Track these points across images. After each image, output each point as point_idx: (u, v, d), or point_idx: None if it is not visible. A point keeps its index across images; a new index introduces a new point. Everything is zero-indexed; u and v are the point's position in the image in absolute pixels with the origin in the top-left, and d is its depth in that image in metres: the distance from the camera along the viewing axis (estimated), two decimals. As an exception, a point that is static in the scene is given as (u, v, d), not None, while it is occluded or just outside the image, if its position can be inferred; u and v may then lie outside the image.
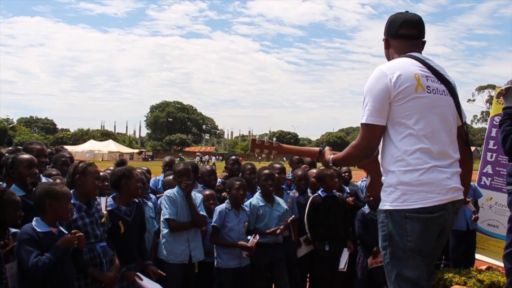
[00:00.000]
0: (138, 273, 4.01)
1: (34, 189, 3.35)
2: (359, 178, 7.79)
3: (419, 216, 2.51)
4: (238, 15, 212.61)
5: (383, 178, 2.71)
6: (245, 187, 5.04)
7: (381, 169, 2.73)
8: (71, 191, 3.57)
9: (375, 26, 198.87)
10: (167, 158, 7.07)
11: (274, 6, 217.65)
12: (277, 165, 5.59)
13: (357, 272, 5.71)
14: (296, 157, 6.61)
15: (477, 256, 6.21)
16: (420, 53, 2.81)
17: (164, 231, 4.72)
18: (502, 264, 5.48)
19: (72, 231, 3.33)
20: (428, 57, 2.79)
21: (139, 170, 4.81)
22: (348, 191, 6.13)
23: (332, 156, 2.92)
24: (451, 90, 2.75)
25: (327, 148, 3.07)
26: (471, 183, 6.35)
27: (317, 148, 3.14)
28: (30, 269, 3.06)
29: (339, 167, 5.61)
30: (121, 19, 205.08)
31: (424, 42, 2.86)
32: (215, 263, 4.88)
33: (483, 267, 5.90)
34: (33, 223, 3.24)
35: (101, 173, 4.68)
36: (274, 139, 3.33)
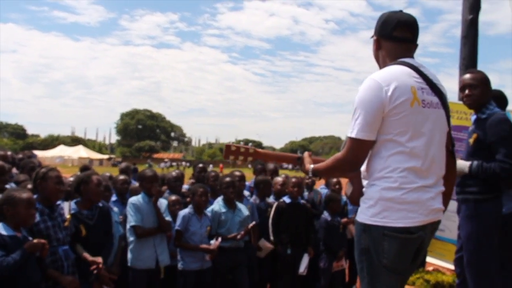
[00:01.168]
0: None
1: None
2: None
3: (397, 236, 2.39)
4: (208, 27, 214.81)
5: (365, 188, 2.56)
6: (208, 193, 5.22)
7: (364, 181, 2.59)
8: (34, 196, 3.66)
9: (338, 41, 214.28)
10: (122, 165, 7.09)
11: (243, 19, 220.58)
12: (237, 173, 5.72)
13: (320, 277, 5.91)
14: (260, 165, 6.85)
15: (426, 258, 6.58)
16: (413, 58, 2.61)
17: (131, 238, 4.79)
18: (447, 265, 5.89)
19: (40, 240, 3.39)
20: (421, 63, 2.59)
21: (101, 176, 4.88)
22: (306, 198, 6.31)
23: (312, 166, 2.72)
24: (443, 101, 2.58)
25: (306, 154, 2.88)
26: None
27: (296, 155, 2.99)
28: None
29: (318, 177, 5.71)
30: (94, 28, 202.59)
31: (417, 46, 2.67)
32: (178, 265, 5.04)
33: (430, 268, 6.31)
34: None
35: (69, 178, 4.86)
36: (250, 144, 3.13)
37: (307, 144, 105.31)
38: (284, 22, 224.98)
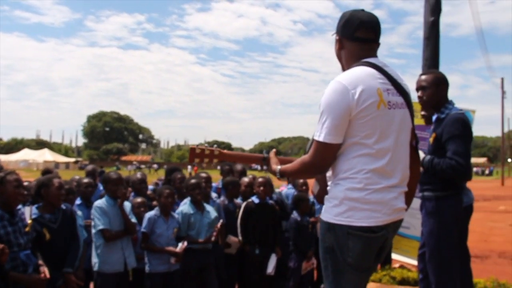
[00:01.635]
0: None
1: None
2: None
3: (361, 235, 2.42)
4: (176, 28, 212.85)
5: (329, 187, 2.59)
6: (174, 194, 5.23)
7: (329, 180, 2.63)
8: None
9: (306, 42, 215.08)
10: (89, 167, 7.07)
11: (211, 20, 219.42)
12: (203, 175, 5.74)
13: (290, 277, 5.96)
14: (227, 166, 6.87)
15: (392, 255, 6.70)
16: (377, 57, 2.63)
17: (98, 242, 4.74)
18: (413, 262, 6.00)
19: None
20: (385, 62, 2.61)
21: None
22: (275, 199, 6.33)
23: (279, 167, 2.75)
24: (408, 100, 2.61)
25: (272, 154, 2.89)
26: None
27: (261, 155, 2.97)
28: None
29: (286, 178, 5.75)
30: (59, 29, 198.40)
31: (379, 44, 2.66)
32: (146, 268, 5.02)
33: (396, 265, 6.42)
34: None
35: (33, 182, 4.76)
36: (215, 145, 3.12)
37: (276, 145, 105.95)
38: (252, 23, 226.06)
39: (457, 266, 3.90)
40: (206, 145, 3.05)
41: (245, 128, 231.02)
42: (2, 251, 3.31)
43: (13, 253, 3.63)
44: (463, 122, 3.83)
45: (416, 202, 4.43)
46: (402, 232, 6.74)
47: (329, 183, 2.62)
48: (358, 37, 2.57)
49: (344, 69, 2.64)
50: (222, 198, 6.13)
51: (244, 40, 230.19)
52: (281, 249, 5.94)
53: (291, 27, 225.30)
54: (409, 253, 6.05)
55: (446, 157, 3.77)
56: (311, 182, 3.12)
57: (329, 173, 2.63)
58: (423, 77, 4.09)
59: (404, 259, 6.31)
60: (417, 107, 6.46)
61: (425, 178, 3.96)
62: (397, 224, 2.59)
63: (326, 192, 2.63)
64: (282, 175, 2.74)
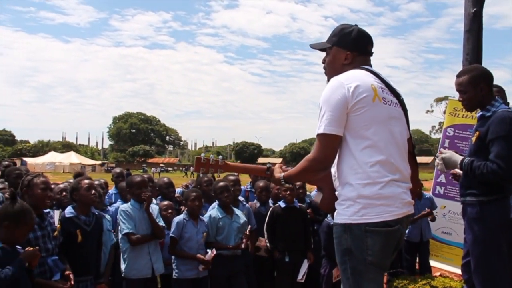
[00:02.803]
0: None
1: None
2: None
3: (379, 230, 2.48)
4: (202, 26, 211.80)
5: (338, 191, 2.64)
6: (201, 198, 5.05)
7: (336, 181, 2.67)
8: None
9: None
10: (117, 170, 7.13)
11: (238, 17, 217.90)
12: (232, 177, 5.60)
13: (321, 284, 5.71)
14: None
15: (432, 263, 6.38)
16: (371, 66, 2.80)
17: (124, 247, 4.61)
18: (455, 271, 5.68)
19: (35, 248, 3.27)
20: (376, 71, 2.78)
21: (96, 182, 4.86)
22: (308, 201, 6.18)
23: (282, 173, 2.82)
24: (401, 103, 2.75)
25: (277, 165, 2.97)
26: (427, 193, 6.55)
27: (264, 166, 3.04)
28: None
29: (292, 184, 5.34)
30: (84, 29, 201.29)
31: (372, 54, 2.89)
32: (173, 274, 4.86)
33: (437, 274, 6.08)
34: None
35: (60, 185, 4.67)
36: (220, 157, 3.19)
37: (307, 146, 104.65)
38: (282, 20, 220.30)
39: (507, 279, 3.59)
40: (212, 155, 3.14)
41: (275, 129, 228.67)
42: (34, 253, 3.25)
43: (41, 258, 3.53)
44: (511, 122, 3.52)
45: (459, 207, 4.16)
46: (443, 238, 6.44)
47: (336, 185, 2.67)
48: (368, 52, 2.81)
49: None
50: (254, 201, 5.95)
51: (273, 38, 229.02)
52: (314, 254, 5.72)
53: (322, 22, 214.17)
54: (452, 261, 5.73)
55: (488, 160, 3.50)
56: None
57: (333, 171, 2.69)
58: (458, 80, 3.79)
59: (446, 267, 5.97)
60: (458, 105, 6.15)
61: (467, 182, 3.73)
62: (409, 218, 2.65)
63: (330, 199, 2.72)
64: (287, 180, 2.81)
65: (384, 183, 2.49)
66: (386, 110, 2.59)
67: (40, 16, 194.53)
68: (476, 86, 3.68)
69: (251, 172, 3.41)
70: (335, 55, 2.81)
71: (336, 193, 2.65)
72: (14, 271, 3.05)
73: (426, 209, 6.26)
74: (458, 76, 3.83)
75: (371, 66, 2.80)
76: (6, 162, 7.82)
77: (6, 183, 5.51)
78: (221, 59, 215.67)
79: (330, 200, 2.72)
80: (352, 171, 2.53)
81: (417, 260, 6.52)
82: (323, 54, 2.89)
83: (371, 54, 2.83)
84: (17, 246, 3.30)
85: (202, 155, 3.14)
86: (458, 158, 3.73)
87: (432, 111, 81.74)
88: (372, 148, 2.52)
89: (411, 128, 2.85)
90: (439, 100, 79.78)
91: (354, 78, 2.58)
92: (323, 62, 2.90)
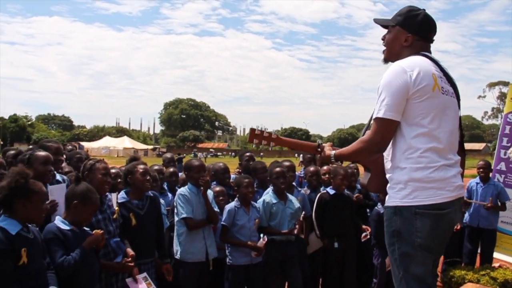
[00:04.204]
0: (138, 276, 4.01)
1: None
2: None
3: (429, 213, 2.51)
4: (251, 13, 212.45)
5: (389, 174, 2.68)
6: (253, 184, 5.05)
7: (388, 164, 2.70)
8: None
9: None
10: (168, 155, 7.15)
11: (286, 4, 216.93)
12: (287, 163, 5.56)
13: (376, 274, 5.68)
14: (308, 155, 6.65)
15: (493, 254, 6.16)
16: (431, 53, 2.80)
17: (181, 230, 4.66)
18: (515, 262, 5.48)
19: (96, 231, 3.38)
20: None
21: (155, 167, 5.09)
22: (359, 187, 6.09)
23: (334, 151, 2.90)
24: (456, 92, 2.76)
25: (328, 143, 3.05)
26: (499, 183, 6.32)
27: (315, 143, 3.11)
28: (56, 268, 3.12)
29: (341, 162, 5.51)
30: (136, 17, 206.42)
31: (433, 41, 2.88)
32: (227, 260, 4.91)
33: (497, 265, 5.89)
34: (56, 221, 3.32)
35: (113, 170, 4.81)
36: (274, 131, 3.26)
37: (355, 132, 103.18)
38: (330, 5, 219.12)
39: None
40: (266, 128, 3.20)
41: (323, 115, 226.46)
42: (98, 238, 3.36)
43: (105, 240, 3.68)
44: None
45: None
46: (503, 228, 6.22)
47: (387, 167, 2.70)
48: (429, 38, 2.80)
49: (392, 58, 2.80)
50: (305, 188, 5.91)
51: (321, 23, 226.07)
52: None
53: (371, 7, 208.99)
54: None
55: None
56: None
57: (386, 154, 2.71)
58: None
59: (506, 258, 5.77)
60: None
61: None
62: (460, 201, 2.66)
63: (378, 181, 2.79)
64: (338, 158, 2.90)
65: (435, 167, 2.52)
66: (443, 99, 2.61)
67: (96, 6, 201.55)
68: None
69: (302, 147, 3.39)
70: (396, 34, 2.81)
71: (387, 176, 2.70)
72: (77, 259, 3.15)
73: (489, 198, 6.05)
74: None
75: (430, 53, 2.79)
76: (70, 146, 8.09)
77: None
78: (269, 46, 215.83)
79: (378, 181, 2.79)
80: (404, 156, 2.57)
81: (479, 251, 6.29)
82: (373, 39, 2.90)
83: (431, 41, 2.82)
84: (85, 228, 3.43)
85: (257, 127, 3.20)
86: None
87: (484, 97, 78.72)
88: (426, 135, 2.55)
89: (461, 114, 2.86)
90: (492, 85, 76.81)
91: (416, 65, 2.59)
92: (383, 39, 2.89)
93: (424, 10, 2.80)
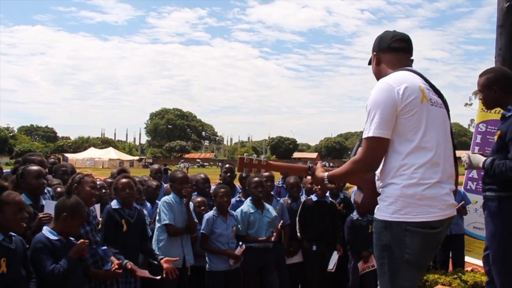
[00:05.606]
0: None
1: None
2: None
3: (420, 231, 2.51)
4: (238, 22, 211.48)
5: (381, 189, 2.66)
6: (230, 194, 5.27)
7: (379, 182, 2.69)
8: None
9: (374, 31, 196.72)
10: (155, 166, 7.37)
11: (273, 12, 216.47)
12: (266, 173, 5.69)
13: (349, 277, 5.85)
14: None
15: (465, 258, 6.37)
16: (412, 67, 2.82)
17: (161, 236, 4.86)
18: (486, 266, 5.68)
19: (80, 240, 3.57)
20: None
21: (137, 179, 5.17)
22: (342, 197, 6.27)
23: (326, 173, 2.83)
24: (445, 103, 2.78)
25: (319, 164, 3.00)
26: (460, 189, 6.55)
27: (306, 165, 3.08)
28: (47, 276, 3.33)
29: (335, 184, 5.47)
30: (121, 27, 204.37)
31: (412, 60, 2.88)
32: (207, 266, 5.08)
33: (468, 269, 6.10)
34: (44, 231, 3.51)
35: (99, 182, 4.97)
36: (263, 156, 3.25)
37: (343, 141, 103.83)
38: (317, 14, 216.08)
39: None
40: (254, 155, 3.19)
41: (310, 124, 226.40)
42: (81, 247, 3.53)
43: (92, 249, 3.96)
44: None
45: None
46: (474, 233, 6.43)
47: (379, 184, 2.69)
48: (393, 47, 2.80)
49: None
50: (286, 197, 6.09)
51: (309, 32, 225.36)
52: (343, 247, 5.85)
53: (358, 16, 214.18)
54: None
55: (508, 159, 3.57)
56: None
57: (378, 175, 2.70)
58: (478, 79, 3.99)
59: (478, 262, 5.98)
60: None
61: (488, 178, 3.82)
62: (450, 220, 2.66)
63: (371, 199, 2.74)
64: (331, 180, 2.83)
65: (429, 185, 2.51)
66: (433, 111, 2.61)
67: (81, 15, 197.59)
68: (489, 88, 3.86)
69: (292, 171, 3.41)
70: (372, 60, 2.93)
71: (379, 190, 2.69)
72: (65, 268, 3.36)
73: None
74: (479, 76, 3.98)
75: (412, 67, 2.82)
76: (52, 159, 8.18)
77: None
78: (257, 54, 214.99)
79: (371, 200, 2.76)
80: (398, 172, 2.55)
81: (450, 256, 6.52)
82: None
83: (405, 51, 2.83)
84: (71, 238, 3.61)
85: (245, 154, 3.20)
86: (479, 158, 3.87)
87: (471, 104, 78.67)
88: (419, 150, 2.53)
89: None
90: (478, 92, 77.54)
91: (402, 80, 2.60)
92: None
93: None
